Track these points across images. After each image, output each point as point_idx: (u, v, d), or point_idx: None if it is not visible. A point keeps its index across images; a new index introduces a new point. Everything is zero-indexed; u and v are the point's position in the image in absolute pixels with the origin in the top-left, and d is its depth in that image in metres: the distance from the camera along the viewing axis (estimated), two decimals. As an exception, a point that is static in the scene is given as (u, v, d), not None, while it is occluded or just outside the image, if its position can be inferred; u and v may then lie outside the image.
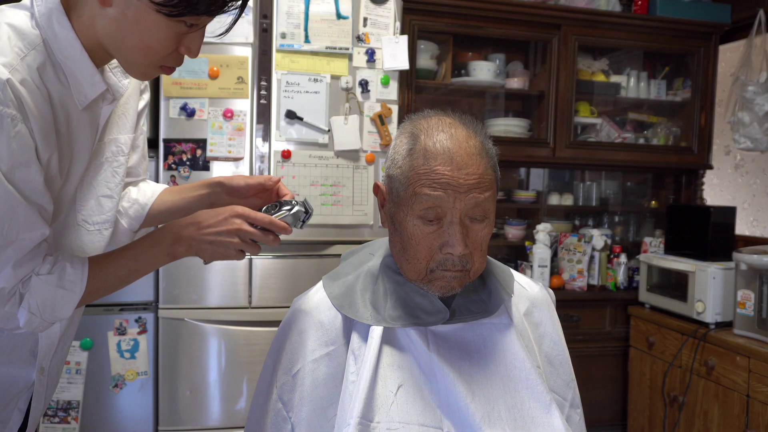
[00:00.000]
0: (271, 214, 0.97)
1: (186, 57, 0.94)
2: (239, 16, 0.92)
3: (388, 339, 0.96)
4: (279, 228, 0.96)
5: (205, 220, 0.94)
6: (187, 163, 2.26)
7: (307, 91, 2.33)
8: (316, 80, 2.33)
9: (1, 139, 0.79)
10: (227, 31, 0.97)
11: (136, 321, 2.29)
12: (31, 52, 0.84)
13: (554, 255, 3.05)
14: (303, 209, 1.00)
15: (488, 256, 1.05)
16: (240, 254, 0.96)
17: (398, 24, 2.40)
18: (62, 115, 0.90)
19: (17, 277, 0.85)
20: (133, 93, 1.10)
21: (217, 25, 0.96)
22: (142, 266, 0.96)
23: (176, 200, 1.20)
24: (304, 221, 1.01)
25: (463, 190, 0.91)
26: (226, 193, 1.12)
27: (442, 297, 0.99)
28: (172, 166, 2.25)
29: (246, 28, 2.25)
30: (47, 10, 0.87)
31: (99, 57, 0.93)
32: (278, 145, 2.33)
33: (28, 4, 0.88)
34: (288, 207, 0.99)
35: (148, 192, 1.21)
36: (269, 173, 2.32)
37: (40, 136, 0.84)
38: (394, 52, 2.37)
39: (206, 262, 0.98)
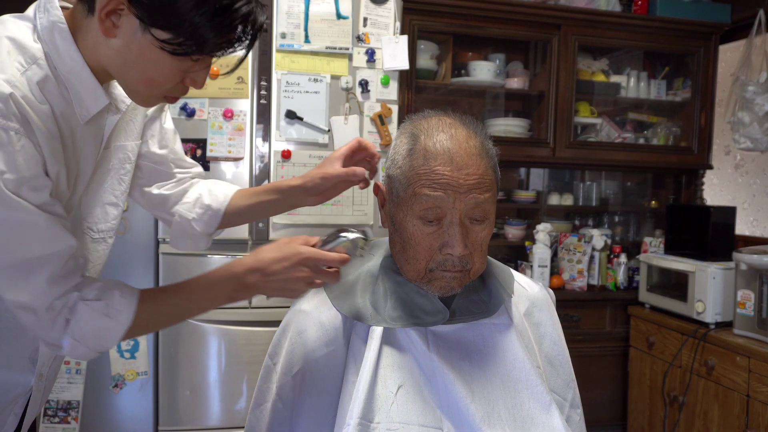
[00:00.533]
0: (329, 242, 0.92)
1: None
2: (247, 54, 0.90)
3: (388, 339, 0.96)
4: (344, 262, 0.91)
5: (269, 266, 0.89)
6: (187, 163, 2.26)
7: (307, 91, 2.33)
8: (316, 80, 2.33)
9: (7, 153, 0.77)
10: (233, 70, 0.96)
11: (136, 321, 2.29)
12: (32, 66, 0.82)
13: (554, 255, 3.05)
14: (362, 236, 0.95)
15: (488, 257, 1.05)
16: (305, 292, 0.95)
17: (398, 24, 2.40)
18: (66, 129, 0.88)
19: (54, 294, 0.82)
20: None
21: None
22: (197, 307, 0.93)
23: (251, 204, 1.18)
24: (363, 248, 0.95)
25: (463, 190, 0.91)
26: (307, 194, 1.10)
27: (442, 297, 0.98)
28: (172, 166, 2.25)
29: (246, 28, 2.24)
30: (49, 23, 0.84)
31: (103, 77, 0.91)
32: (278, 145, 2.33)
33: (31, 15, 0.86)
34: (345, 234, 0.94)
35: (220, 197, 1.19)
36: (269, 173, 2.32)
37: (48, 150, 0.82)
38: (394, 52, 2.37)
39: (268, 298, 0.96)
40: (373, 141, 2.40)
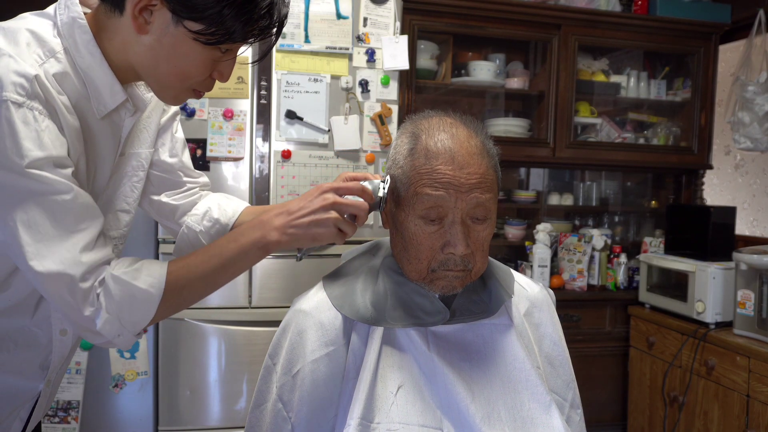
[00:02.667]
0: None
1: None
2: (275, 42, 0.94)
3: (388, 339, 0.96)
4: (369, 195, 0.92)
5: (294, 204, 0.90)
6: (187, 163, 2.26)
7: (307, 91, 2.33)
8: (316, 80, 2.33)
9: (33, 132, 0.78)
10: (263, 57, 0.98)
11: (136, 321, 2.29)
12: (50, 59, 0.84)
13: (554, 255, 3.05)
14: (380, 183, 0.96)
15: (489, 257, 1.05)
16: (340, 235, 0.91)
17: (398, 24, 2.40)
18: (83, 124, 0.89)
19: (87, 264, 0.81)
20: (155, 108, 1.10)
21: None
22: (230, 263, 0.89)
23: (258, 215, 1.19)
24: (383, 197, 0.96)
25: (464, 189, 0.91)
26: None
27: (442, 297, 0.98)
28: (172, 166, 2.25)
29: (246, 28, 2.24)
30: (69, 20, 0.87)
31: (127, 77, 0.93)
32: (278, 145, 2.33)
33: (52, 13, 0.88)
34: (365, 183, 0.95)
35: (229, 212, 1.19)
36: (269, 173, 2.32)
37: (69, 135, 0.84)
38: (394, 52, 2.37)
39: (301, 256, 0.92)
40: (373, 141, 2.40)
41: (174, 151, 1.16)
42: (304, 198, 0.91)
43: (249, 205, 1.23)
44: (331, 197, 0.90)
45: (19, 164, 0.77)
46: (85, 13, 0.89)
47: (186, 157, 1.20)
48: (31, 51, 0.82)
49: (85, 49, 0.87)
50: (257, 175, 2.32)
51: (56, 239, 0.79)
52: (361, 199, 0.92)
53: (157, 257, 2.29)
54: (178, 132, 1.18)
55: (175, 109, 1.16)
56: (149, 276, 0.85)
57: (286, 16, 0.91)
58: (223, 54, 0.90)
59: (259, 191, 2.32)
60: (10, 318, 0.95)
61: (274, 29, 0.91)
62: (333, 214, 0.89)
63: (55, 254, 0.79)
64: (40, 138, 0.78)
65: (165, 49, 0.86)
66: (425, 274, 0.96)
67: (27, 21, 0.86)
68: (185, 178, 1.19)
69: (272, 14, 0.89)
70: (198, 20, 0.83)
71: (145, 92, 1.03)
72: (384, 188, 0.95)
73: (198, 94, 0.96)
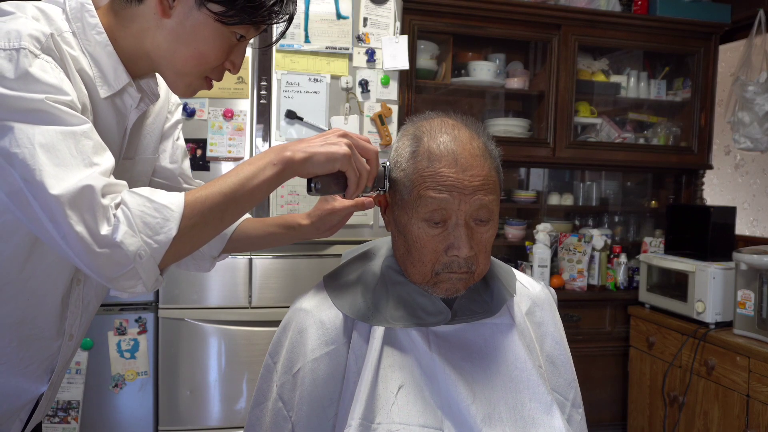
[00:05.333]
0: None
1: None
2: (287, 27, 0.97)
3: (389, 339, 0.96)
4: (374, 153, 0.93)
5: (309, 138, 0.92)
6: (187, 163, 2.26)
7: (307, 91, 2.33)
8: (316, 80, 2.33)
9: (52, 77, 0.78)
10: (276, 41, 1.02)
11: (136, 321, 2.29)
12: (56, 37, 0.84)
13: (554, 255, 3.05)
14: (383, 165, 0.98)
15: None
16: (352, 167, 0.89)
17: (398, 24, 2.40)
18: (90, 100, 0.90)
19: (106, 181, 0.78)
20: (159, 114, 1.11)
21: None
22: (246, 180, 0.85)
23: (260, 234, 1.18)
24: (386, 176, 0.98)
25: (468, 192, 0.90)
26: (317, 231, 1.12)
27: (443, 297, 0.98)
28: (172, 166, 2.25)
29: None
30: (78, 5, 0.90)
31: (139, 67, 0.95)
32: (278, 145, 2.32)
33: (62, 2, 0.90)
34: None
35: None
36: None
37: (80, 101, 0.84)
38: (394, 52, 2.37)
39: (314, 185, 0.89)
40: (373, 141, 2.40)
41: (174, 158, 1.17)
42: (320, 135, 0.93)
43: (248, 215, 1.23)
44: (343, 131, 0.92)
45: (40, 97, 0.76)
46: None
47: (186, 165, 1.20)
48: (37, 27, 0.83)
49: (93, 31, 0.90)
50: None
51: (75, 164, 0.77)
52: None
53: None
54: (180, 140, 1.19)
55: (177, 116, 1.17)
56: (168, 195, 0.82)
57: (295, 3, 0.96)
58: (237, 41, 0.93)
59: (259, 191, 2.32)
60: (26, 324, 0.95)
61: (287, 16, 0.95)
62: (344, 139, 0.90)
63: (74, 175, 0.76)
64: (60, 83, 0.80)
65: (187, 31, 0.89)
66: (429, 277, 0.95)
67: (35, 3, 0.87)
68: (185, 185, 1.19)
69: (283, 2, 0.93)
70: (220, 3, 0.88)
71: (153, 86, 1.03)
72: (386, 166, 0.98)
73: (209, 84, 0.98)
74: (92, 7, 0.90)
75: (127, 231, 0.77)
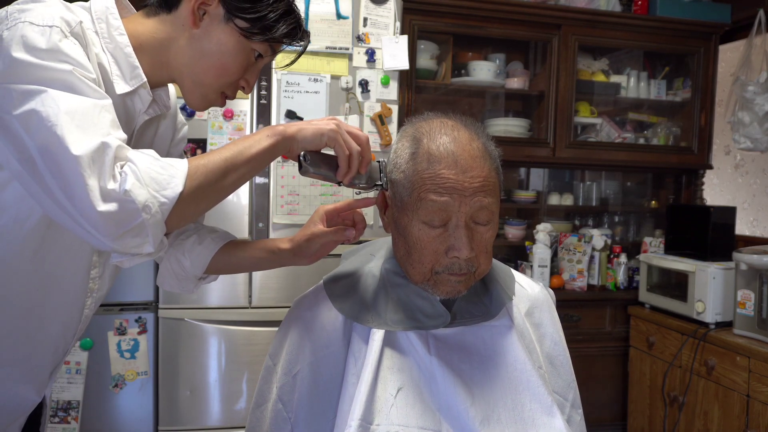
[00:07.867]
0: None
1: None
2: (304, 49, 1.07)
3: (389, 342, 0.96)
4: (364, 137, 0.96)
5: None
6: (187, 163, 2.26)
7: (307, 91, 2.33)
8: (316, 80, 2.33)
9: (77, 55, 0.81)
10: (293, 62, 1.14)
11: (136, 321, 2.30)
12: (83, 25, 0.87)
13: (554, 255, 3.05)
14: (378, 162, 1.00)
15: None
16: (334, 135, 0.93)
17: (398, 24, 2.40)
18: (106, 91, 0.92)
19: (120, 144, 0.80)
20: (166, 130, 1.12)
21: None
22: (245, 148, 0.89)
23: (245, 256, 1.16)
24: (382, 171, 1.00)
25: (468, 193, 0.90)
26: (296, 257, 1.10)
27: (443, 300, 0.98)
28: (172, 166, 2.26)
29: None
30: (103, 8, 0.93)
31: (155, 77, 0.98)
32: (278, 145, 2.32)
33: (87, 5, 0.93)
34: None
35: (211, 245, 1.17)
36: (270, 174, 2.32)
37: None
38: (394, 52, 2.37)
39: (304, 158, 0.92)
40: (373, 141, 2.40)
41: None
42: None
43: (234, 237, 1.21)
44: (335, 118, 0.97)
45: (68, 68, 0.79)
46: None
47: None
48: (61, 21, 0.85)
49: (116, 32, 0.93)
50: (257, 176, 2.32)
51: (94, 131, 0.79)
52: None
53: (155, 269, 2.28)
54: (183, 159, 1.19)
55: (183, 133, 1.18)
56: (171, 159, 0.85)
57: (306, 30, 1.06)
58: (255, 60, 0.99)
59: (259, 192, 2.32)
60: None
61: (305, 41, 1.05)
62: (334, 120, 0.95)
63: (93, 137, 0.78)
64: (86, 62, 0.82)
65: (212, 43, 0.95)
66: (429, 276, 0.95)
67: (63, 2, 0.89)
68: None
69: (300, 25, 1.02)
70: (247, 20, 0.94)
71: (164, 98, 1.05)
72: (382, 161, 1.00)
73: (223, 100, 1.01)
74: (116, 11, 0.94)
75: (135, 182, 0.78)
